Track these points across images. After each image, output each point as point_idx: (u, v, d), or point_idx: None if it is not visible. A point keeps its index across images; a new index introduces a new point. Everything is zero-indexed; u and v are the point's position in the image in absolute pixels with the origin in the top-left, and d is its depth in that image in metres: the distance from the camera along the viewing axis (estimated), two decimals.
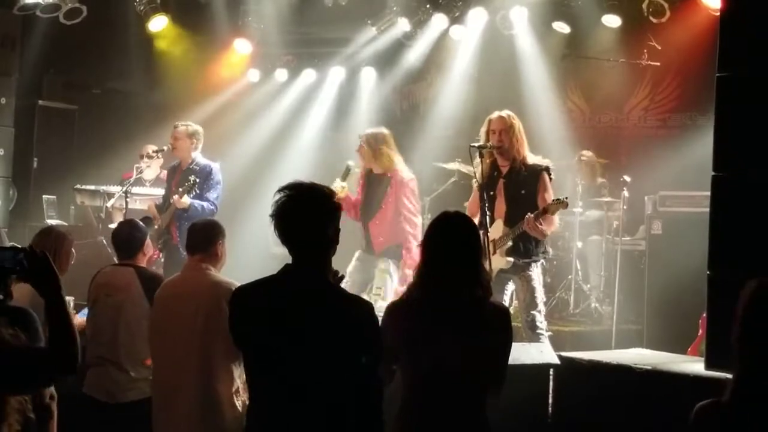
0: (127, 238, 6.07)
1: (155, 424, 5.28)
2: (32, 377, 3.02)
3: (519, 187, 7.18)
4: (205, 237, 5.39)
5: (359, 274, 8.08)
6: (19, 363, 2.93)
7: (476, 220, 7.20)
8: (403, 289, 7.63)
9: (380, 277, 7.91)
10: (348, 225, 6.40)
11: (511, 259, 7.07)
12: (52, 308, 3.05)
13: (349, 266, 7.99)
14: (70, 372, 3.05)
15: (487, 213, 6.90)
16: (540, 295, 7.18)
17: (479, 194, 7.05)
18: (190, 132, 8.69)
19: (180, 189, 8.36)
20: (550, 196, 7.11)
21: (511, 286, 7.25)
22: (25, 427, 3.23)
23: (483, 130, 7.33)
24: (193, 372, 5.13)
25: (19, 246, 3.24)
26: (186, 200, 8.31)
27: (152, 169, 10.10)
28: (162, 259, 8.71)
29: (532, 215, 6.93)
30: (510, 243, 7.08)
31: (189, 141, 8.67)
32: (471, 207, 7.45)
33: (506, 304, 7.16)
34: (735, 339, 2.80)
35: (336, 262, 3.72)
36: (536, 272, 7.19)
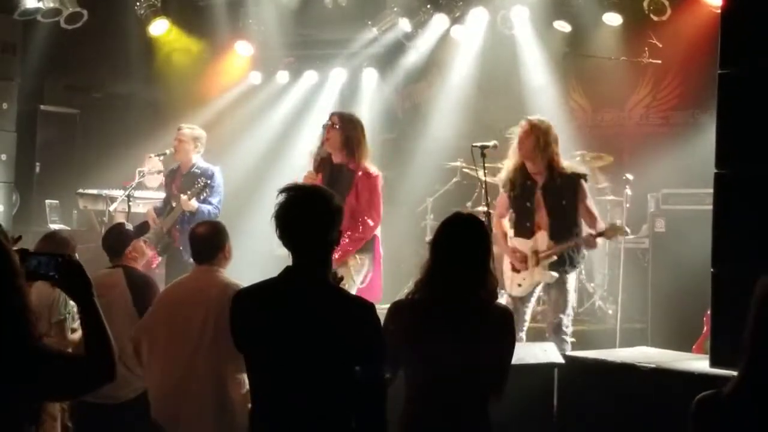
0: (112, 241, 6.19)
1: (165, 424, 5.28)
2: (72, 385, 3.00)
3: (559, 198, 7.06)
4: (211, 247, 5.40)
5: None
6: (60, 370, 2.91)
7: (505, 222, 7.27)
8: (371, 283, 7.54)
9: (345, 275, 7.52)
10: None
11: (556, 274, 7.02)
12: (88, 316, 3.03)
13: None
14: (109, 379, 3.02)
15: (491, 211, 6.91)
16: (572, 300, 7.16)
17: (511, 201, 7.15)
18: (194, 135, 8.66)
19: (189, 192, 8.33)
20: (592, 203, 7.10)
21: (539, 288, 7.21)
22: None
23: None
24: (204, 374, 5.13)
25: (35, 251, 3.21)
26: (194, 203, 8.28)
27: (155, 176, 10.12)
28: (155, 262, 8.71)
29: (593, 235, 6.95)
30: (555, 257, 7.04)
31: (192, 144, 8.64)
32: (500, 209, 7.42)
33: (532, 305, 7.19)
34: (746, 334, 2.81)
35: None
36: (572, 277, 7.18)
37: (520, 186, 7.16)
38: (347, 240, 7.02)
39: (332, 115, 7.44)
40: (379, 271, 7.41)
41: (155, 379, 5.38)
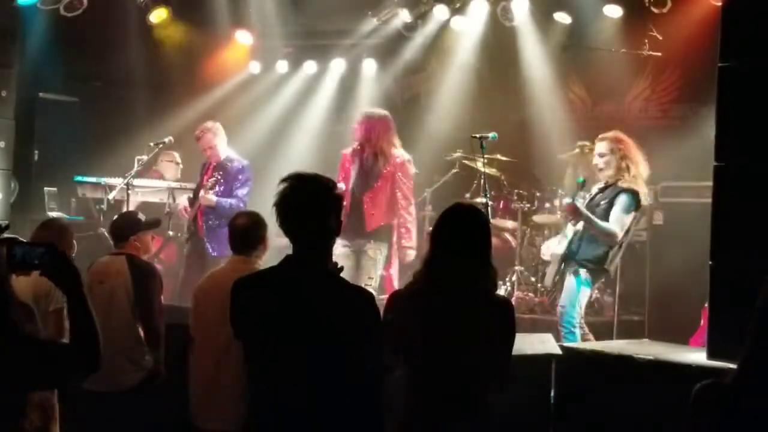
0: (119, 227, 6.24)
1: (200, 408, 5.35)
2: (56, 374, 3.00)
3: (600, 200, 7.32)
4: (249, 238, 5.46)
5: (347, 259, 7.85)
6: (43, 359, 2.91)
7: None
8: (390, 273, 7.79)
9: (370, 266, 7.86)
10: None
11: (558, 252, 7.40)
12: (75, 304, 3.03)
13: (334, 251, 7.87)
14: (94, 369, 3.03)
15: (490, 203, 6.94)
16: (581, 298, 7.31)
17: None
18: (214, 132, 8.80)
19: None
20: (618, 215, 7.20)
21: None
22: (45, 423, 3.22)
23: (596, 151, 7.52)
24: (240, 361, 5.17)
25: (23, 240, 3.22)
26: (212, 198, 8.40)
27: (171, 169, 10.28)
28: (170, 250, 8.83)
29: (571, 202, 7.20)
30: (569, 238, 7.31)
31: (219, 141, 8.80)
32: None
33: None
34: (751, 325, 2.81)
35: None
36: (584, 274, 7.32)
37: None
38: (408, 227, 7.87)
39: (365, 114, 8.11)
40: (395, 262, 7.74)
41: (193, 368, 5.45)
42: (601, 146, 7.39)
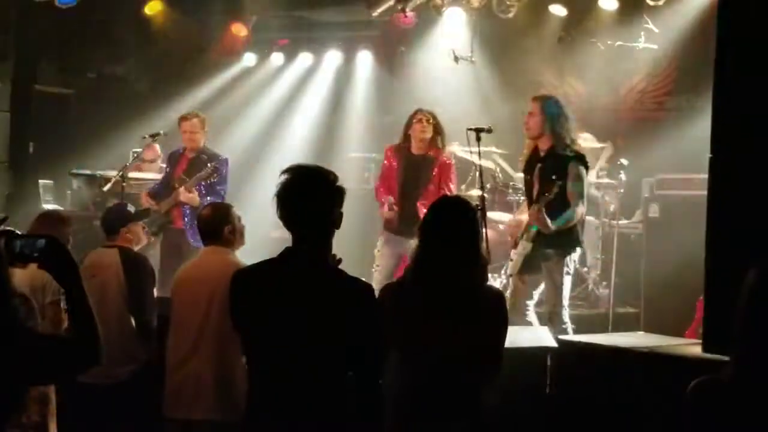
0: (111, 218, 6.21)
1: (169, 398, 5.35)
2: (57, 369, 2.99)
3: (551, 173, 6.82)
4: (212, 228, 5.47)
5: (390, 258, 7.84)
6: (43, 354, 2.90)
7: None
8: None
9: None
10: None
11: (529, 244, 6.91)
12: (75, 298, 3.02)
13: (376, 250, 7.90)
14: (95, 363, 3.02)
15: (486, 196, 6.91)
16: (564, 288, 6.91)
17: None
18: (203, 121, 8.65)
19: (191, 178, 8.35)
20: (575, 185, 6.81)
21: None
22: (44, 417, 3.20)
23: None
24: (207, 352, 5.22)
25: (19, 232, 3.21)
26: (197, 199, 8.29)
27: (157, 164, 10.23)
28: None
29: (536, 208, 6.74)
30: (533, 230, 6.90)
31: (204, 131, 8.64)
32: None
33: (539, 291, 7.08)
34: (738, 321, 2.81)
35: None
36: (562, 263, 6.92)
37: (528, 160, 7.11)
38: None
39: (420, 111, 8.05)
40: None
41: (167, 357, 5.46)
42: (532, 106, 6.98)
